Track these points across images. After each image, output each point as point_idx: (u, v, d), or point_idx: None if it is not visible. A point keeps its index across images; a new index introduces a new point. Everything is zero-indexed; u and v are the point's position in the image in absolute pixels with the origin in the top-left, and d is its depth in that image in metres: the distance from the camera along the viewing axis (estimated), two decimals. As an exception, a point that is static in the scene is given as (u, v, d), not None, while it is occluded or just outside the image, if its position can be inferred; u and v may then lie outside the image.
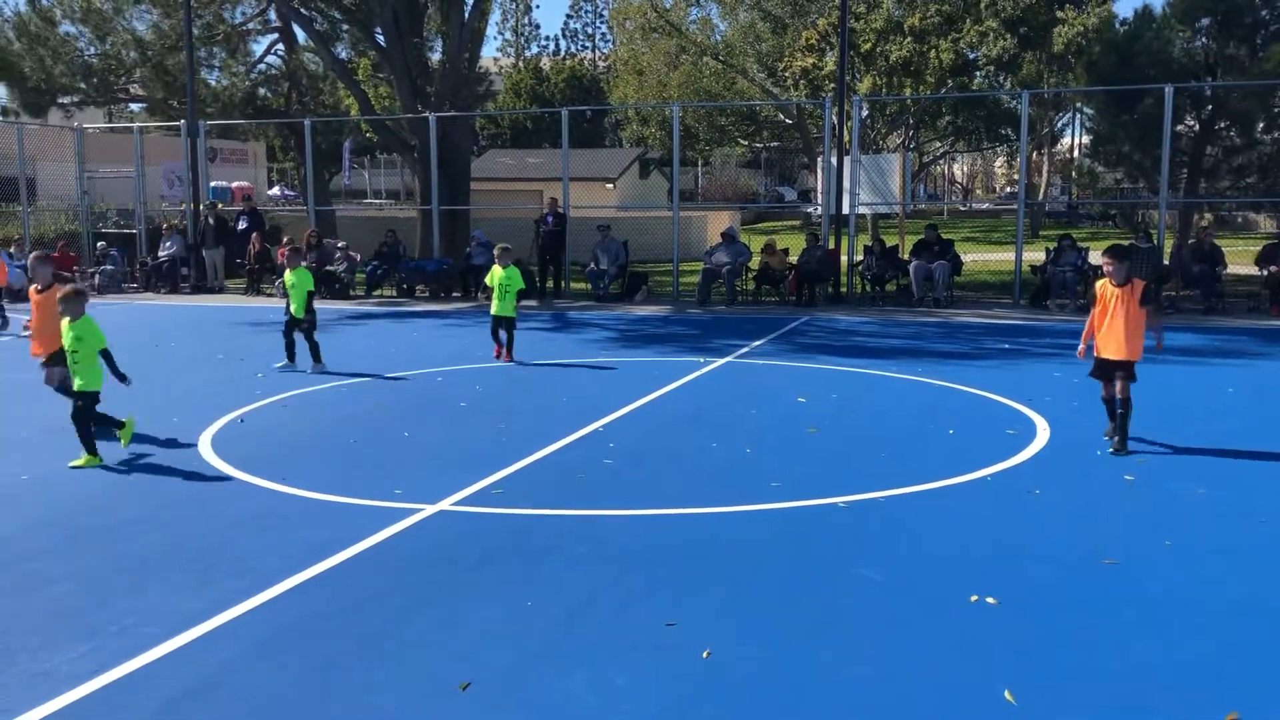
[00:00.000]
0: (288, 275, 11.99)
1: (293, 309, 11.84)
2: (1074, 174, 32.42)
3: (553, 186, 23.15)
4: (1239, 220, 40.98)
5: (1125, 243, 18.01)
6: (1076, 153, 43.37)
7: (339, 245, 21.50)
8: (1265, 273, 17.14)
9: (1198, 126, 20.11)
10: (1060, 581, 5.44)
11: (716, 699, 4.22)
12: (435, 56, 26.45)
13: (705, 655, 4.59)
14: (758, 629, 4.89)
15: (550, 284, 20.59)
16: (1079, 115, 40.63)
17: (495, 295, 12.42)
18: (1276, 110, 19.65)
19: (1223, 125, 20.19)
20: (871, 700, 4.20)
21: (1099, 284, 8.22)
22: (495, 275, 12.53)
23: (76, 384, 7.74)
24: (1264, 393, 10.54)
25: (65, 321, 7.80)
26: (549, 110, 42.32)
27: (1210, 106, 19.86)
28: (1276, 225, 21.41)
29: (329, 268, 20.55)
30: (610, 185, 40.16)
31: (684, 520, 6.52)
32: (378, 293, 20.72)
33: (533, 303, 19.48)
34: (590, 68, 63.81)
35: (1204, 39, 20.59)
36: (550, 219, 20.44)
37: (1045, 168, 47.64)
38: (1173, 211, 20.12)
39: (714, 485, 7.25)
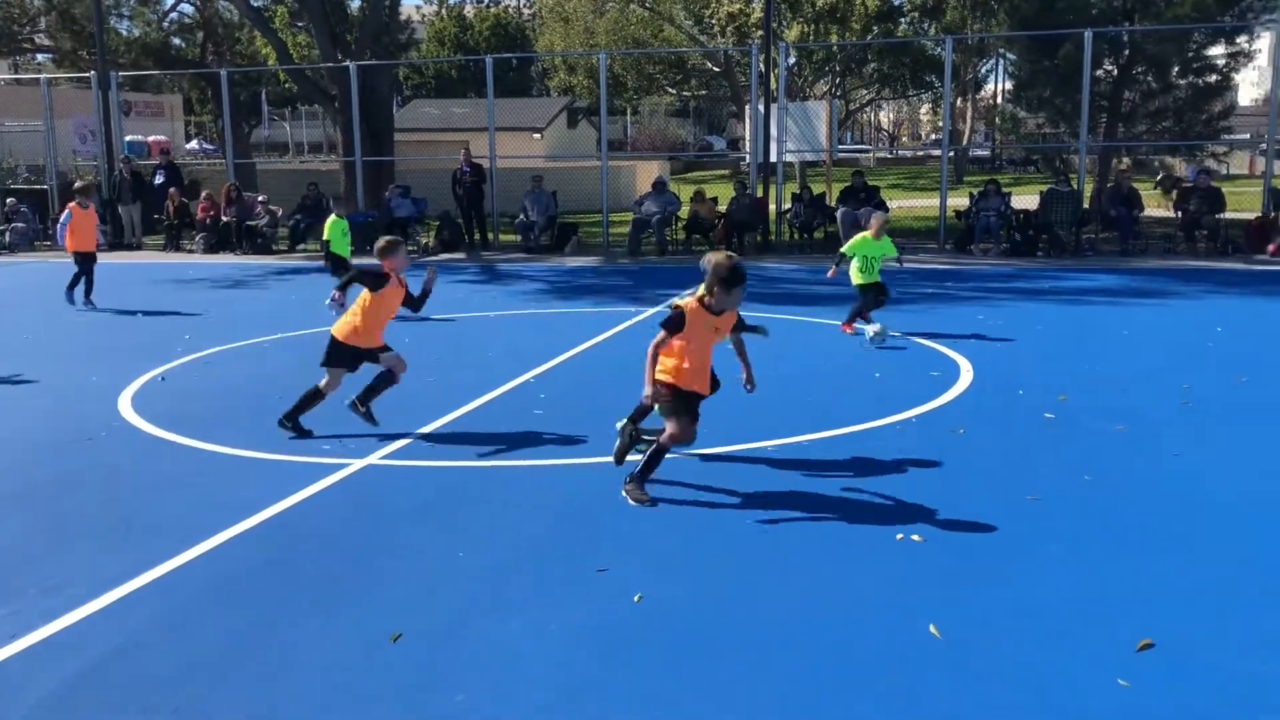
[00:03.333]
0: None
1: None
2: (997, 120, 32.82)
3: (479, 137, 22.84)
4: (1156, 164, 41.80)
5: (1045, 187, 18.37)
6: (1000, 99, 43.85)
7: (259, 199, 21.03)
8: (1178, 214, 17.58)
9: (1116, 71, 20.40)
10: (984, 518, 5.56)
11: (649, 641, 4.27)
12: (355, 4, 25.85)
13: (637, 599, 4.63)
14: (688, 573, 4.94)
15: (476, 235, 20.39)
16: (1002, 61, 41.05)
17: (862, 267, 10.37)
18: (1190, 55, 20.01)
19: (1139, 70, 20.52)
20: (800, 638, 4.28)
21: None
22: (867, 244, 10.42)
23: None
24: (1175, 330, 10.83)
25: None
26: (473, 59, 41.60)
27: (1127, 51, 20.16)
28: (1193, 170, 21.84)
29: (250, 222, 20.12)
30: (538, 135, 39.72)
31: (614, 469, 6.53)
32: (301, 247, 20.33)
33: (460, 255, 19.30)
34: (515, 15, 62.78)
35: (1121, -17, 20.84)
36: (466, 170, 20.17)
37: (969, 114, 48.11)
38: (1092, 156, 20.45)
39: (645, 433, 7.27)
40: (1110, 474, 6.26)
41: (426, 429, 7.37)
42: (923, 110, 76.36)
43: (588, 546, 5.26)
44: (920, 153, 58.20)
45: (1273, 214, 16.99)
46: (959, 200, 19.96)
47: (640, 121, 59.53)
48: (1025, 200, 19.47)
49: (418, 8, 62.91)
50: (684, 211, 19.56)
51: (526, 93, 54.02)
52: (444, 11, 58.52)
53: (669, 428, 5.91)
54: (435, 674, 4.04)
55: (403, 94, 50.52)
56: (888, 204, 19.16)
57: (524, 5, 63.09)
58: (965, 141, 45.54)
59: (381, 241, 7.43)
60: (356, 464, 6.61)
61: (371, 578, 4.93)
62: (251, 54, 32.33)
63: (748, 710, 3.77)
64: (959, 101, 49.53)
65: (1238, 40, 20.41)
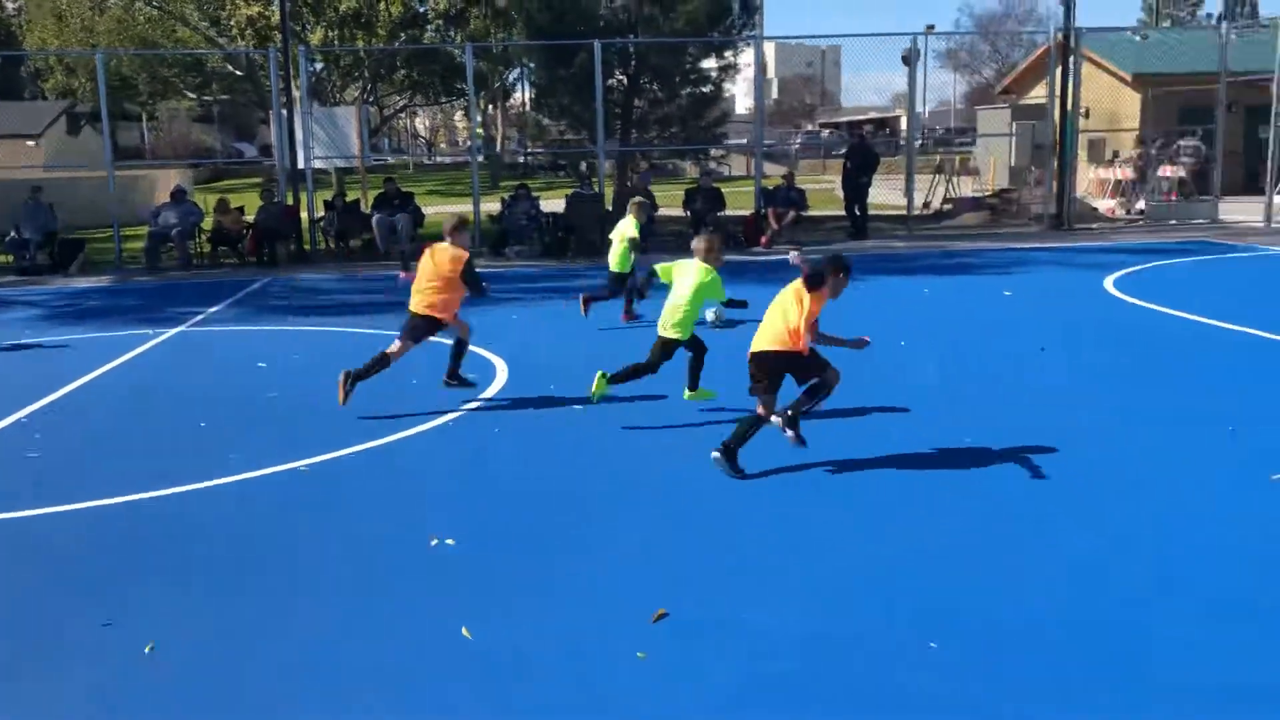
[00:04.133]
0: None
1: None
2: (525, 126, 34.06)
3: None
4: (670, 167, 45.50)
5: (571, 190, 19.32)
6: (526, 106, 45.60)
7: None
8: (688, 212, 19.23)
9: (626, 81, 21.88)
10: (518, 515, 5.69)
11: (160, 693, 3.90)
12: None
13: (148, 649, 4.23)
14: (206, 612, 4.59)
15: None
16: (525, 70, 42.69)
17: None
18: (688, 67, 21.93)
19: (646, 80, 22.15)
20: (328, 659, 4.11)
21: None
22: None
23: None
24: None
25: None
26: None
27: (634, 62, 21.68)
28: (699, 172, 23.98)
29: None
30: (33, 143, 35.57)
31: (124, 510, 5.94)
32: None
33: (-61, 281, 16.81)
34: (-3, 10, 55.69)
35: (626, -2, 22.35)
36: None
37: (500, 120, 49.53)
38: (612, 160, 21.79)
39: (162, 466, 6.68)
40: (634, 460, 6.66)
41: (-114, 488, 6.28)
42: (457, 117, 77.48)
43: (92, 600, 4.73)
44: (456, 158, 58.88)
45: (763, 210, 19.06)
46: (494, 205, 20.46)
47: (159, 127, 55.16)
48: (556, 203, 20.34)
49: None
50: (208, 222, 18.37)
51: (17, 96, 48.14)
52: (-97, 3, 50.68)
53: (765, 407, 6.14)
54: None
55: None
56: (422, 210, 19.23)
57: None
58: (498, 148, 46.83)
59: (451, 222, 8.10)
60: None
61: None
62: None
63: (272, 750, 3.56)
64: (490, 108, 50.88)
65: (726, 54, 22.66)
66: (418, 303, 7.86)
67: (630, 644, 4.18)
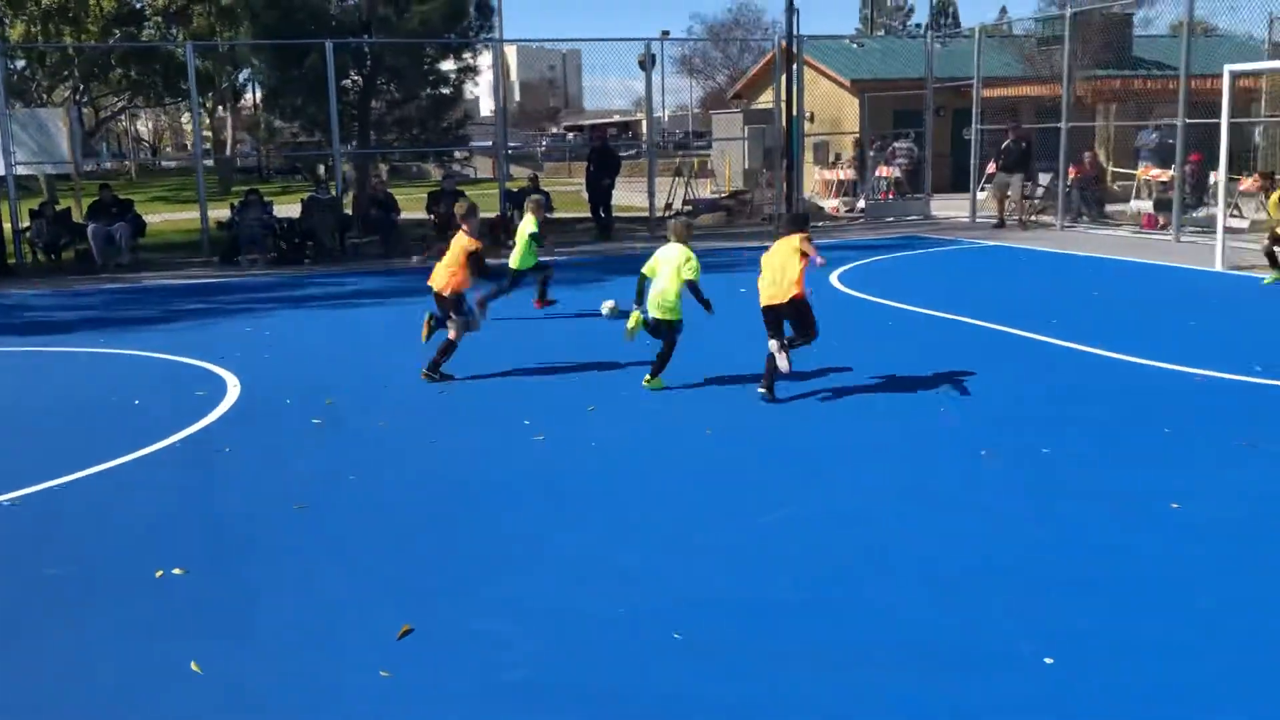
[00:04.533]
0: None
1: None
2: (257, 129, 32.53)
3: None
4: (414, 170, 44.77)
5: (306, 195, 18.66)
6: (257, 108, 43.58)
7: None
8: (432, 215, 18.92)
9: (362, 82, 21.27)
10: (249, 539, 5.43)
11: None
12: None
13: None
14: (-106, 670, 4.13)
15: None
16: (254, 70, 40.77)
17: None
18: (426, 68, 21.54)
19: (383, 81, 21.61)
20: (59, 708, 3.79)
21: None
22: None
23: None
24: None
25: None
26: None
27: (370, 63, 21.11)
28: (443, 174, 23.64)
29: None
30: None
31: None
32: None
33: None
34: None
35: (358, -2, 21.72)
36: None
37: (230, 123, 47.20)
38: (351, 163, 21.16)
39: None
40: (373, 469, 6.49)
41: None
42: (184, 119, 73.12)
43: None
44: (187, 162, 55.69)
45: (510, 213, 19.01)
46: (224, 211, 19.46)
47: None
48: (292, 208, 19.56)
49: None
50: (-110, 237, 16.56)
51: None
52: None
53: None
54: None
55: None
56: (144, 218, 18.07)
57: None
58: (229, 151, 44.66)
59: (462, 209, 8.80)
60: None
61: None
62: None
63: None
64: (220, 110, 48.38)
65: (465, 56, 22.44)
66: (439, 282, 8.58)
67: (373, 663, 4.08)
